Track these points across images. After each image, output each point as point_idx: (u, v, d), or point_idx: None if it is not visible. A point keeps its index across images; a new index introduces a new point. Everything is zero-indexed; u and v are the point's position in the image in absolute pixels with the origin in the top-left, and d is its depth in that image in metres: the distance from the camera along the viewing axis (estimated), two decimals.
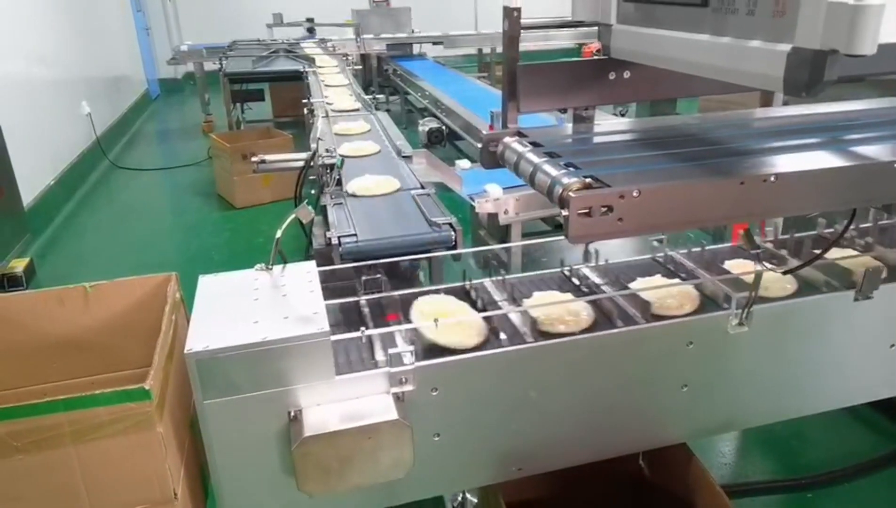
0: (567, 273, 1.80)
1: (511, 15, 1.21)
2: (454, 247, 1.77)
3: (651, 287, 1.56)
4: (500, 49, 6.28)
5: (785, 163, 1.07)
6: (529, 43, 8.22)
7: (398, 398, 1.41)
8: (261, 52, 6.62)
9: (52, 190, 5.09)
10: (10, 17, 4.83)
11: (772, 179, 1.00)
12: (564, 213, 0.96)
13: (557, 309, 1.52)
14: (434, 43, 8.19)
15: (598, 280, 1.74)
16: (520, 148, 1.24)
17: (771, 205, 1.03)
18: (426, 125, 5.41)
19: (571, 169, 1.08)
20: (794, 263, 1.59)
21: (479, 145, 1.33)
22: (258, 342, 1.30)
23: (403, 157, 2.56)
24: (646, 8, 1.11)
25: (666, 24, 1.08)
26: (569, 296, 1.62)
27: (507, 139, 1.30)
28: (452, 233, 1.77)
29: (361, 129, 3.06)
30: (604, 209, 0.96)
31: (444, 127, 5.38)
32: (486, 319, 1.51)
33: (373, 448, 1.35)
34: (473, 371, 1.46)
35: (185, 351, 1.28)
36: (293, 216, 1.56)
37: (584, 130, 1.39)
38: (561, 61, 1.34)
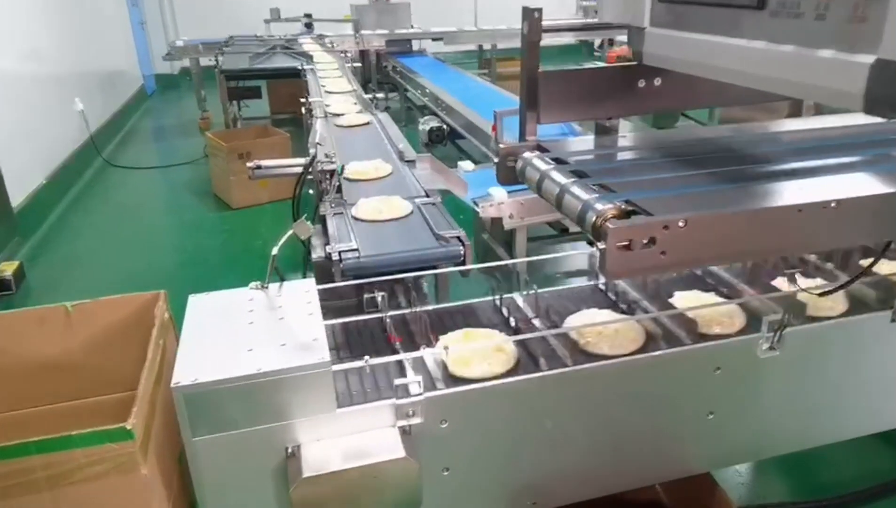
0: (602, 287, 1.68)
1: (531, 17, 1.09)
2: (463, 262, 1.66)
3: (692, 307, 1.45)
4: (500, 45, 6.21)
5: (843, 186, 0.95)
6: None
7: (405, 432, 1.30)
8: (258, 49, 6.47)
9: (44, 190, 4.96)
10: (0, 10, 4.70)
11: (832, 204, 0.89)
12: (601, 246, 0.85)
13: (607, 330, 1.41)
14: (434, 39, 8.05)
15: (635, 294, 1.62)
16: (542, 166, 1.12)
17: (833, 235, 0.92)
18: (427, 124, 5.30)
19: (604, 192, 0.97)
20: (840, 276, 1.47)
21: (496, 160, 1.22)
22: (253, 374, 1.19)
23: (406, 161, 2.44)
24: (686, 9, 0.99)
25: (711, 27, 0.96)
26: (613, 315, 1.51)
27: (527, 155, 1.19)
28: (461, 248, 1.66)
29: (360, 120, 2.92)
30: (645, 241, 0.85)
31: (444, 126, 5.27)
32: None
33: (378, 489, 1.24)
34: (486, 402, 1.35)
35: (172, 384, 1.17)
36: (290, 232, 1.44)
37: (609, 143, 1.28)
38: (586, 67, 1.22)
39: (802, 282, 1.41)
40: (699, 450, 1.57)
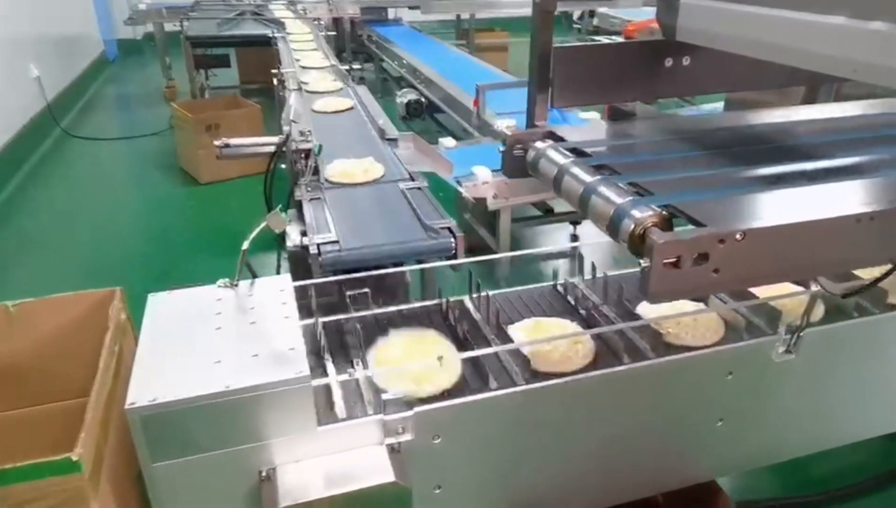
0: (561, 289, 1.55)
1: None
2: (454, 256, 1.51)
3: (673, 315, 1.32)
4: (479, 15, 6.00)
5: None
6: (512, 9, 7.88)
7: (393, 450, 1.17)
8: (226, 14, 6.15)
9: None
10: None
11: None
12: (644, 263, 0.71)
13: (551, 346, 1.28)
14: (410, 7, 7.77)
15: (595, 298, 1.50)
16: (560, 159, 0.97)
17: None
18: (404, 97, 5.10)
19: (637, 193, 0.83)
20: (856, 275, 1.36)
21: (501, 149, 1.07)
22: (220, 393, 1.04)
23: (388, 140, 2.27)
24: None
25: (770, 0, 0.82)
26: (561, 328, 1.38)
27: (539, 144, 1.03)
28: (452, 240, 1.51)
29: (343, 105, 2.75)
30: (696, 257, 0.71)
31: (423, 99, 5.08)
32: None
33: None
34: (482, 415, 1.22)
35: (127, 406, 1.01)
36: (263, 225, 1.28)
37: (631, 130, 1.13)
38: (608, 43, 1.08)
39: (824, 282, 1.30)
40: (707, 457, 1.47)
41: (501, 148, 1.06)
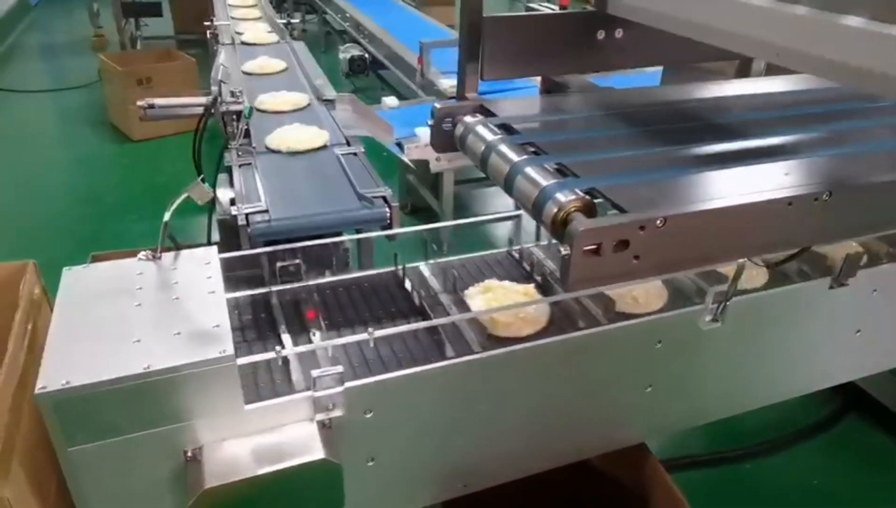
0: (517, 256, 1.55)
1: None
2: (389, 226, 1.48)
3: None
4: None
5: (833, 171, 0.84)
6: None
7: (324, 426, 1.15)
8: None
9: None
10: None
11: (825, 196, 0.77)
12: (564, 251, 0.70)
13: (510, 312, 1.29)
14: None
15: (551, 265, 1.50)
16: (489, 136, 0.95)
17: (825, 230, 0.81)
18: (347, 52, 4.96)
19: (564, 175, 0.81)
20: None
21: (430, 123, 1.03)
22: (139, 374, 1.00)
23: (324, 101, 2.19)
24: None
25: None
26: (522, 293, 1.38)
27: (468, 119, 1.00)
28: (387, 210, 1.48)
29: (277, 67, 2.63)
30: (615, 244, 0.71)
31: (367, 55, 4.94)
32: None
33: (295, 495, 1.09)
34: (414, 388, 1.22)
35: (37, 390, 0.96)
36: (185, 195, 1.22)
37: (563, 105, 1.11)
38: (539, 14, 1.04)
39: None
40: (636, 421, 1.52)
41: (430, 121, 1.03)
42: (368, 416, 1.19)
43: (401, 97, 3.78)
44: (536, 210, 0.80)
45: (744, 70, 1.55)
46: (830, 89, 1.19)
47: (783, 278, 1.49)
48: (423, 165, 3.10)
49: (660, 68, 1.49)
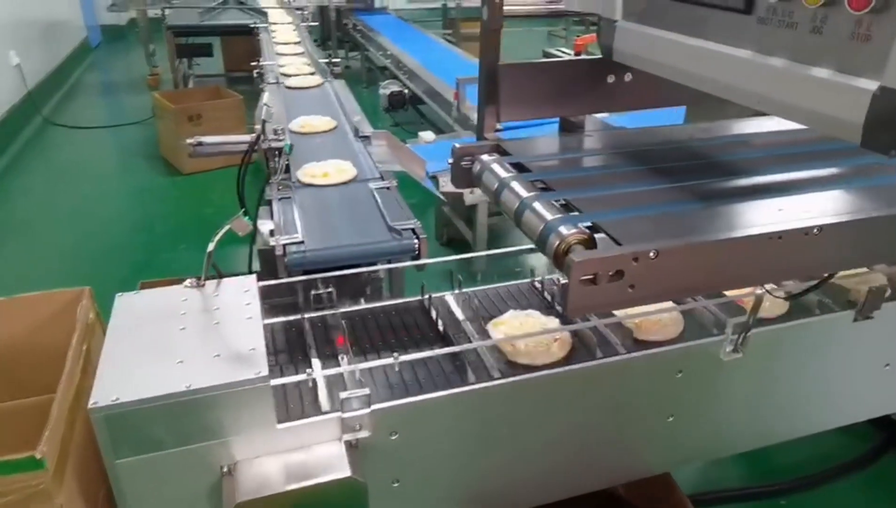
0: (539, 286, 1.60)
1: (492, 2, 0.97)
2: (417, 257, 1.55)
3: (636, 314, 1.37)
4: (465, 3, 5.98)
5: (823, 207, 0.88)
6: None
7: (351, 446, 1.22)
8: (208, 3, 6.12)
9: None
10: None
11: (815, 231, 0.82)
12: (563, 280, 0.76)
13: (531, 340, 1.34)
14: None
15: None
16: (502, 173, 1.02)
17: (814, 263, 0.85)
18: (387, 88, 5.11)
19: (568, 210, 0.87)
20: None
21: (450, 161, 1.11)
22: (181, 392, 1.08)
23: (361, 137, 2.30)
24: (664, 5, 0.89)
25: (689, 28, 0.86)
26: (542, 323, 1.43)
27: (485, 158, 1.08)
28: (415, 241, 1.55)
29: (325, 126, 2.65)
30: (612, 274, 0.76)
31: (405, 90, 5.09)
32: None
33: None
34: (439, 412, 1.27)
35: (90, 405, 1.06)
36: (227, 228, 1.32)
37: (576, 144, 1.17)
38: (552, 61, 1.11)
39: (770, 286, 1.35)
40: (659, 452, 1.53)
41: (450, 160, 1.11)
42: (394, 438, 1.25)
43: (438, 131, 3.89)
44: (541, 242, 0.86)
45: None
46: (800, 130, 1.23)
47: (805, 311, 1.50)
48: (458, 197, 3.18)
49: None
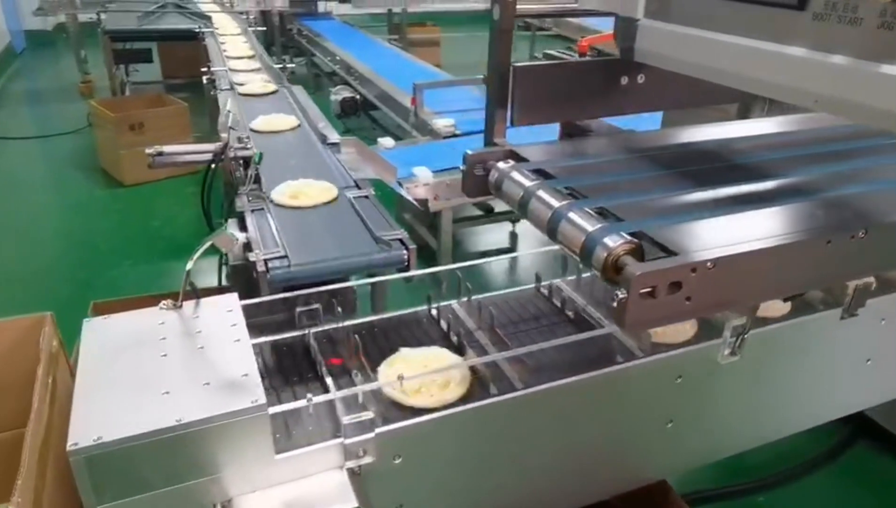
0: (546, 292, 1.55)
1: (504, 1, 0.92)
2: (406, 268, 1.49)
3: None
4: (411, 9, 5.95)
5: (867, 208, 0.86)
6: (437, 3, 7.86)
7: (354, 473, 1.14)
8: (146, 7, 5.86)
9: None
10: None
11: (860, 234, 0.80)
12: (621, 295, 0.71)
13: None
14: (341, 1, 7.65)
15: (580, 300, 1.51)
16: (526, 182, 0.96)
17: (862, 266, 0.83)
18: (339, 94, 5.01)
19: (605, 218, 0.82)
20: None
21: (462, 168, 1.05)
22: (171, 427, 0.99)
23: (329, 144, 2.21)
24: (696, 2, 0.86)
25: (728, 26, 0.83)
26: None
27: (502, 165, 1.02)
28: (405, 252, 1.48)
29: (288, 124, 2.57)
30: (670, 287, 0.72)
31: (358, 96, 5.00)
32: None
33: None
34: (443, 432, 1.21)
35: (69, 447, 0.95)
36: (208, 243, 1.22)
37: (588, 148, 1.13)
38: (564, 62, 1.07)
39: None
40: (658, 458, 1.51)
41: (462, 167, 1.05)
42: (397, 462, 1.18)
43: (393, 136, 3.83)
44: (585, 254, 0.81)
45: (744, 110, 1.60)
46: (844, 127, 1.23)
47: (804, 309, 1.51)
48: (420, 203, 3.12)
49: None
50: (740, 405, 1.54)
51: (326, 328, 1.36)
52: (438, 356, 1.30)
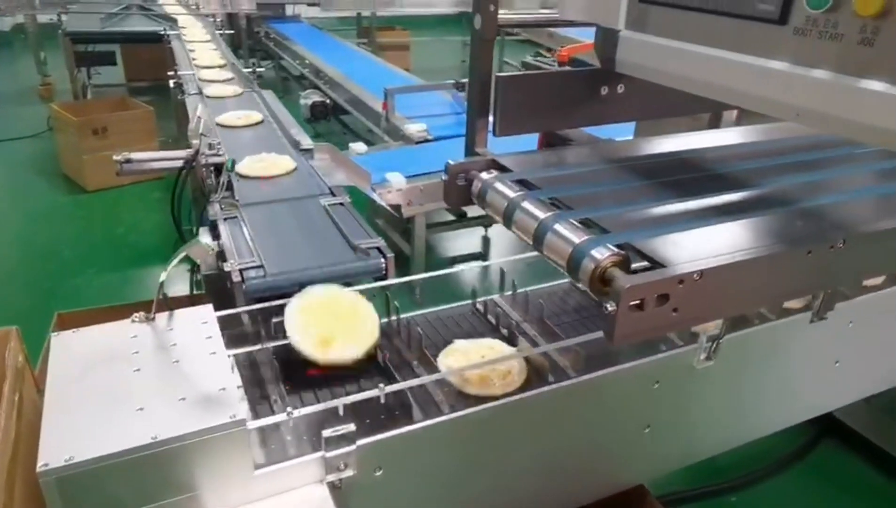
0: (481, 308, 1.56)
1: (487, 10, 0.92)
2: (384, 277, 1.47)
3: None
4: (380, 13, 5.93)
5: (846, 217, 0.88)
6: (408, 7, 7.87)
7: (335, 487, 1.12)
8: (109, 8, 5.74)
9: None
10: None
11: (840, 244, 0.81)
12: (610, 307, 0.71)
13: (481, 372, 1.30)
14: (309, 4, 7.59)
15: (516, 316, 1.52)
16: (510, 193, 0.96)
17: (841, 275, 0.85)
18: (309, 98, 4.96)
19: (590, 229, 0.82)
20: None
21: (444, 178, 1.04)
22: (146, 445, 0.96)
23: (302, 150, 2.18)
24: (677, 15, 0.86)
25: (708, 38, 0.84)
26: (493, 350, 1.39)
27: (485, 176, 1.02)
28: (382, 260, 1.47)
29: (252, 119, 2.58)
30: (657, 299, 0.72)
31: (328, 100, 4.96)
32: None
33: None
34: (424, 443, 1.20)
35: (39, 468, 0.91)
36: (183, 254, 1.19)
37: (570, 158, 1.13)
38: (546, 72, 1.07)
39: None
40: (636, 463, 1.53)
41: (444, 177, 1.04)
42: (378, 474, 1.17)
43: (364, 141, 3.80)
44: (572, 267, 0.81)
45: (715, 119, 1.63)
46: (815, 136, 1.26)
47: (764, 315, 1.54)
48: (393, 209, 3.11)
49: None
50: (716, 408, 1.56)
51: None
52: (492, 346, 1.38)
